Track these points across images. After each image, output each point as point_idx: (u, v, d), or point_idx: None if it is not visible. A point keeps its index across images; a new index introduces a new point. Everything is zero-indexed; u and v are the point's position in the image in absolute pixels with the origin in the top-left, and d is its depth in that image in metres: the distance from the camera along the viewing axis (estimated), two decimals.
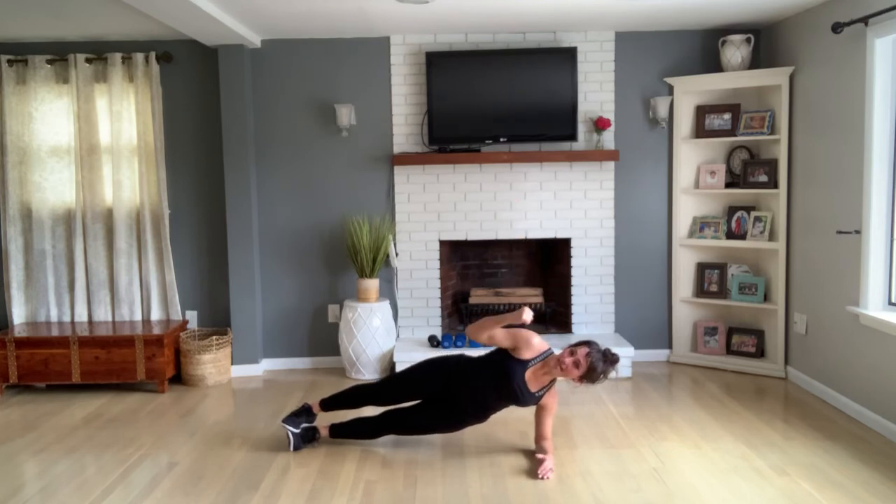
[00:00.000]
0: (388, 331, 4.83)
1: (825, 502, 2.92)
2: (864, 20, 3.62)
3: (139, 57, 4.77)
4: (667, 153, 4.95)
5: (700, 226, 4.91)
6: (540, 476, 3.18)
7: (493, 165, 4.92)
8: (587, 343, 3.26)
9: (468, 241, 5.10)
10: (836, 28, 3.80)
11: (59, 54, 4.80)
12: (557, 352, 3.31)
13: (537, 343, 3.32)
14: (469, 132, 4.79)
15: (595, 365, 3.18)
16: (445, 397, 3.40)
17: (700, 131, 4.83)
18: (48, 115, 4.85)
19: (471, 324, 3.41)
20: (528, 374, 3.28)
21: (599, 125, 4.79)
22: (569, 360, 3.19)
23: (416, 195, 4.96)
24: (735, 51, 4.65)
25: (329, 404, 3.63)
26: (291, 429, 3.52)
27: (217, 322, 5.07)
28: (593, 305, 5.04)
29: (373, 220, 4.92)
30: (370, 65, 4.89)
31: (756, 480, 3.13)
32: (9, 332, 4.61)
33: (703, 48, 4.86)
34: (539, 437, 3.44)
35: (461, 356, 3.51)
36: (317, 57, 4.89)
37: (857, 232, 3.81)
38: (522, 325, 3.33)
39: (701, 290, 4.95)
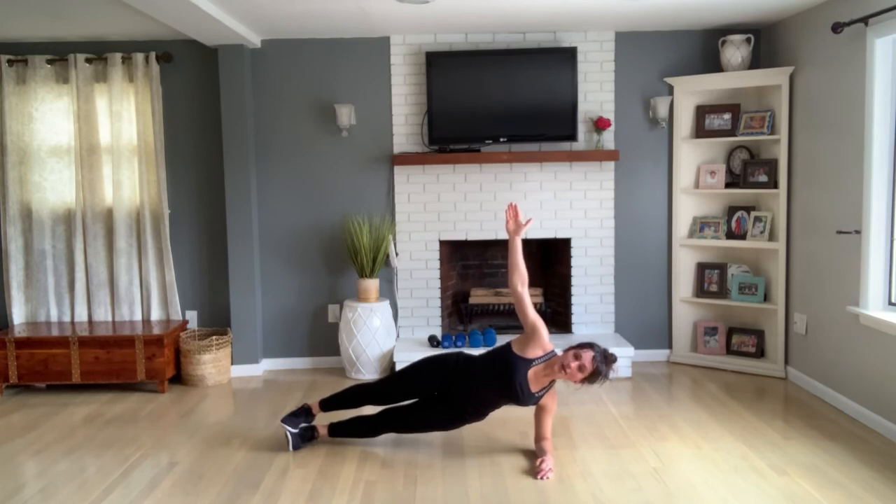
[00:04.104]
0: (388, 331, 4.83)
1: (825, 502, 2.92)
2: (864, 20, 3.62)
3: (139, 57, 4.77)
4: (667, 153, 4.95)
5: (700, 226, 4.91)
6: (539, 476, 3.18)
7: (493, 165, 4.92)
8: (590, 346, 3.25)
9: (468, 241, 5.10)
10: (836, 28, 3.80)
11: (59, 54, 4.80)
12: (560, 352, 3.31)
13: (546, 341, 3.32)
14: (469, 132, 4.79)
15: (600, 369, 3.17)
16: (445, 395, 3.40)
17: (700, 131, 4.83)
18: (48, 115, 4.85)
19: (515, 275, 3.37)
20: (530, 374, 3.27)
21: (599, 125, 4.79)
22: (574, 364, 3.17)
23: (416, 195, 4.96)
24: (735, 51, 4.65)
25: (328, 405, 3.63)
26: (290, 429, 3.52)
27: (217, 322, 5.07)
28: (593, 305, 5.04)
29: (373, 220, 4.92)
30: (370, 65, 4.89)
31: (756, 480, 3.13)
32: (9, 332, 4.61)
33: (703, 48, 4.86)
34: (539, 437, 3.44)
35: (460, 354, 3.51)
36: (317, 57, 4.89)
37: (857, 232, 3.81)
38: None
39: (701, 290, 4.94)
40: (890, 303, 3.72)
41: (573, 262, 5.01)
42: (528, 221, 3.43)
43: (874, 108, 3.65)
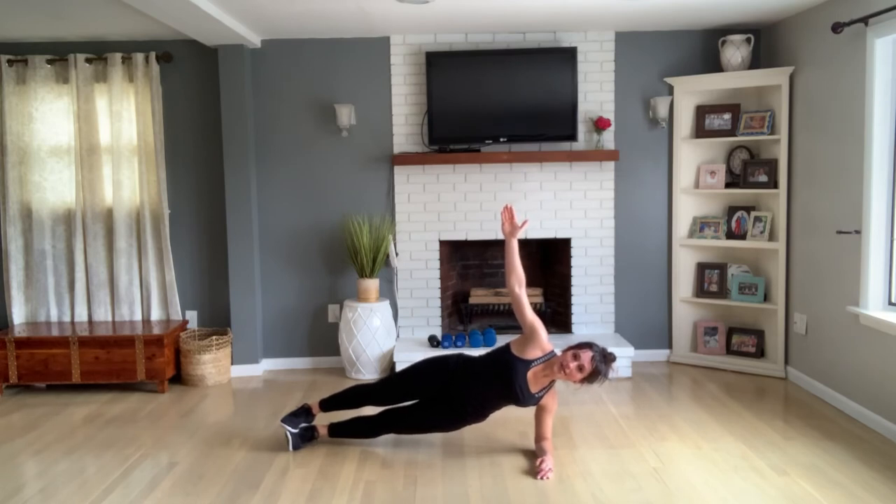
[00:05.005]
0: (388, 331, 4.83)
1: (825, 502, 2.92)
2: (864, 20, 3.62)
3: (139, 57, 4.77)
4: (667, 153, 4.95)
5: (700, 226, 4.91)
6: (539, 476, 3.18)
7: (493, 165, 4.92)
8: (589, 346, 3.24)
9: (468, 241, 5.10)
10: (836, 28, 3.80)
11: (59, 54, 4.80)
12: (559, 353, 3.30)
13: (545, 342, 3.31)
14: (469, 132, 4.79)
15: (599, 369, 3.17)
16: (445, 396, 3.40)
17: (700, 131, 4.83)
18: (48, 115, 4.85)
19: (513, 277, 3.37)
20: (529, 375, 3.27)
21: (599, 125, 4.79)
22: (573, 364, 3.17)
23: (416, 195, 4.96)
24: (735, 51, 4.65)
25: (328, 405, 3.63)
26: (290, 429, 3.52)
27: (217, 322, 5.07)
28: (593, 305, 5.04)
29: (373, 220, 4.92)
30: (370, 65, 4.89)
31: (756, 480, 3.13)
32: (9, 332, 4.61)
33: (703, 48, 4.86)
34: (539, 437, 3.44)
35: (460, 355, 3.51)
36: (317, 57, 4.89)
37: (857, 232, 3.81)
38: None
39: (701, 290, 4.94)
40: (890, 303, 3.72)
41: (573, 262, 5.01)
42: (524, 223, 3.43)
43: (874, 108, 3.65)
